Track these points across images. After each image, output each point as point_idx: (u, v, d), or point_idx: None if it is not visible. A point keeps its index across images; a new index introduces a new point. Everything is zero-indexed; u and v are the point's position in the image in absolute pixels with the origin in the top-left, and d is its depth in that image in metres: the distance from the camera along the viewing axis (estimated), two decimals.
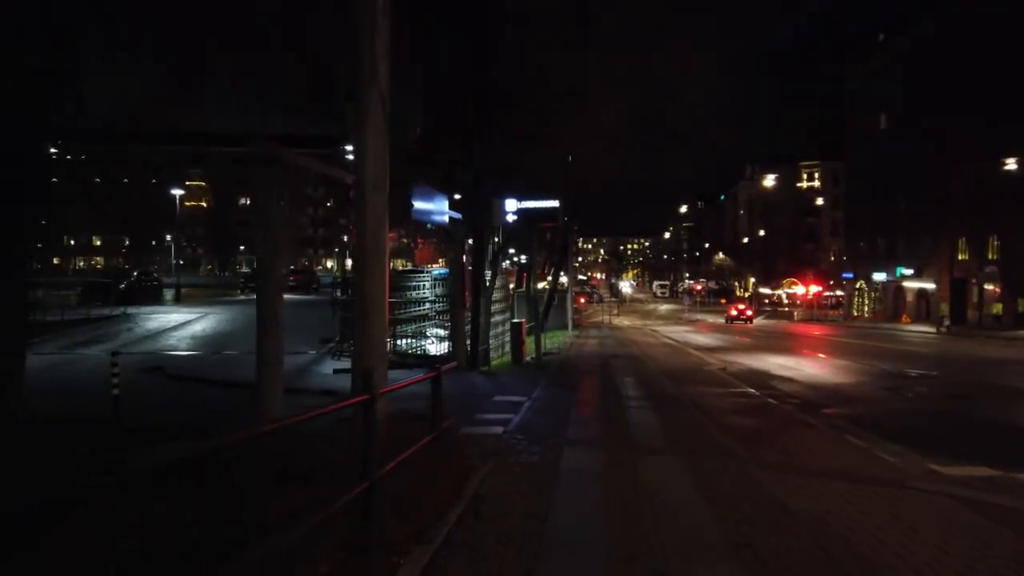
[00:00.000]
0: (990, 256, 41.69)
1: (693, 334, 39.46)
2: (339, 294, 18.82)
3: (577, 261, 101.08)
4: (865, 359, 21.02)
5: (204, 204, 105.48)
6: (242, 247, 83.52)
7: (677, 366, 19.19)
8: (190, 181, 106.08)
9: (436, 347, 20.19)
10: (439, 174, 15.09)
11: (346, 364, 14.75)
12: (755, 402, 12.03)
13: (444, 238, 17.44)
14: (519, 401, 11.09)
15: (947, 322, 39.93)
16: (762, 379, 16.00)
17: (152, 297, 31.00)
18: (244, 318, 24.80)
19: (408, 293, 22.39)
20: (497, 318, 26.26)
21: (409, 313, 21.29)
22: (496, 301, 28.36)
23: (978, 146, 40.80)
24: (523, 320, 20.78)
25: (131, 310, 24.36)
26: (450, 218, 14.95)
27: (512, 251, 47.05)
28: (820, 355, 22.95)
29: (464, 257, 16.02)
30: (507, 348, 21.67)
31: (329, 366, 15.09)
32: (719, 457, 7.19)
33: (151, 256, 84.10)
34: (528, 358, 20.25)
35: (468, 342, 17.62)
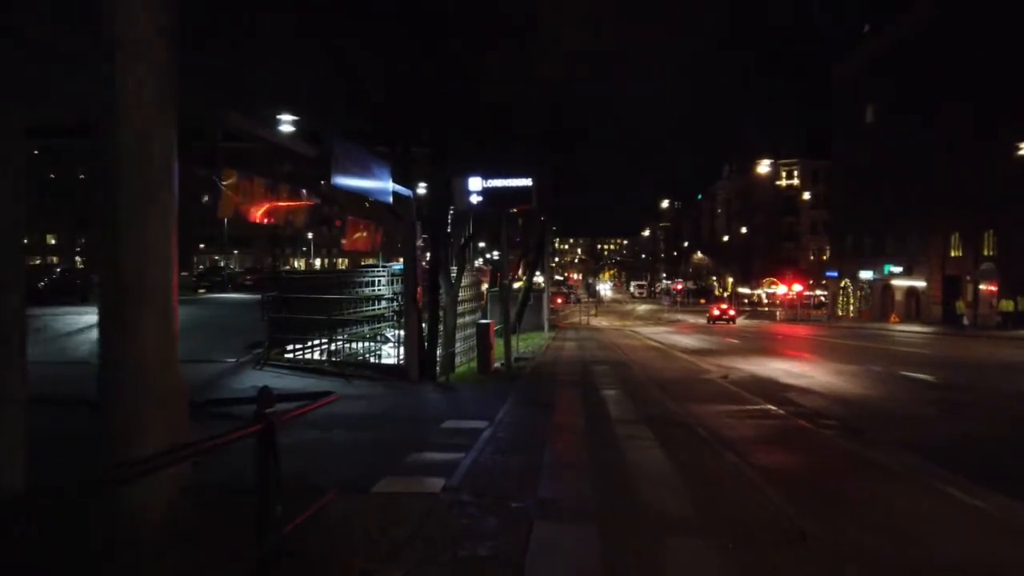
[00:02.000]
0: (986, 252, 39.72)
1: (676, 335, 37.01)
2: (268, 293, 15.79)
3: (554, 261, 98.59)
4: (874, 363, 18.59)
5: None
6: (202, 245, 79.37)
7: (670, 374, 16.50)
8: None
9: (398, 351, 17.29)
10: (383, 138, 12.22)
11: (254, 381, 11.79)
12: (783, 426, 9.34)
13: (392, 220, 14.51)
14: (476, 429, 8.25)
15: (966, 320, 37.77)
16: (774, 390, 13.36)
17: (78, 296, 27.65)
18: None
19: (360, 290, 19.56)
20: (467, 319, 23.57)
21: (361, 313, 18.48)
22: (465, 300, 25.62)
23: (973, 135, 38.87)
24: (491, 321, 17.95)
25: (40, 311, 21.08)
26: (396, 195, 12.09)
27: (483, 244, 44.30)
28: (823, 359, 20.44)
29: (419, 245, 13.08)
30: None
31: (247, 378, 12.09)
32: (785, 542, 4.42)
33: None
34: (497, 364, 17.45)
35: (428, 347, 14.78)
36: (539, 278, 45.13)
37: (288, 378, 12.14)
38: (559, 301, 66.70)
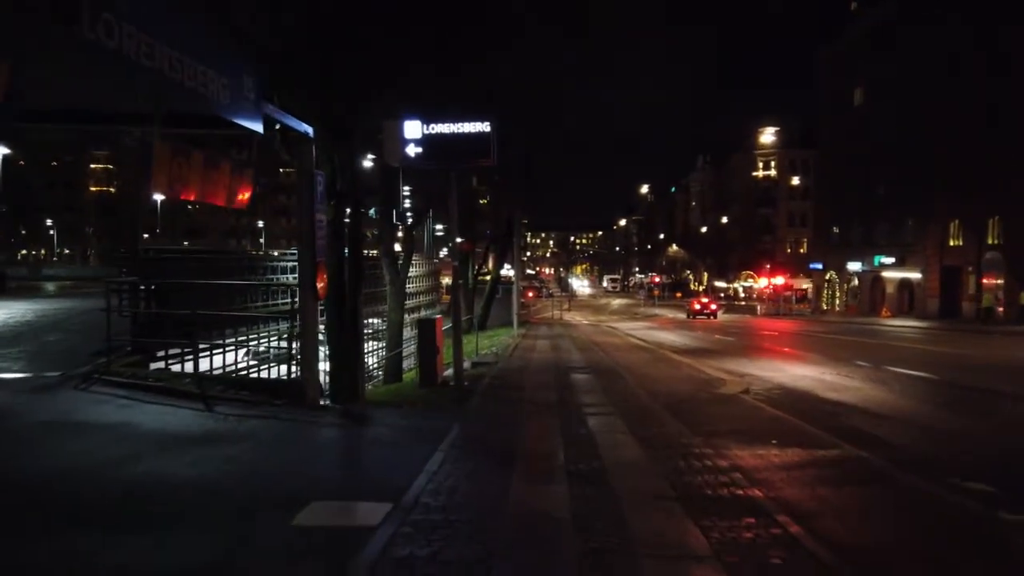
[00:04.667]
0: (991, 241, 36.65)
1: (659, 332, 33.38)
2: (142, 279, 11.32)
3: (525, 255, 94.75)
4: (903, 366, 15.10)
5: (112, 189, 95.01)
6: (146, 235, 73.34)
7: (672, 385, 12.54)
8: (96, 164, 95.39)
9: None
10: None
11: (55, 412, 7.41)
12: (917, 503, 5.42)
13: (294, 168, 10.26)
14: (358, 530, 4.16)
15: (989, 315, 34.35)
16: (827, 414, 9.55)
17: None
18: (34, 315, 17.24)
19: (274, 277, 15.37)
20: (423, 314, 19.63)
21: (273, 308, 14.28)
22: (420, 293, 21.55)
23: (975, 114, 35.72)
24: (438, 317, 13.88)
25: None
26: (282, 127, 7.89)
27: (440, 228, 39.95)
28: (839, 361, 16.60)
29: (318, 208, 8.85)
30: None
31: (51, 406, 7.80)
32: None
33: (38, 244, 73.67)
34: (448, 372, 13.42)
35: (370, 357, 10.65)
36: (509, 271, 41.13)
37: (112, 405, 7.88)
38: (530, 295, 63.03)
